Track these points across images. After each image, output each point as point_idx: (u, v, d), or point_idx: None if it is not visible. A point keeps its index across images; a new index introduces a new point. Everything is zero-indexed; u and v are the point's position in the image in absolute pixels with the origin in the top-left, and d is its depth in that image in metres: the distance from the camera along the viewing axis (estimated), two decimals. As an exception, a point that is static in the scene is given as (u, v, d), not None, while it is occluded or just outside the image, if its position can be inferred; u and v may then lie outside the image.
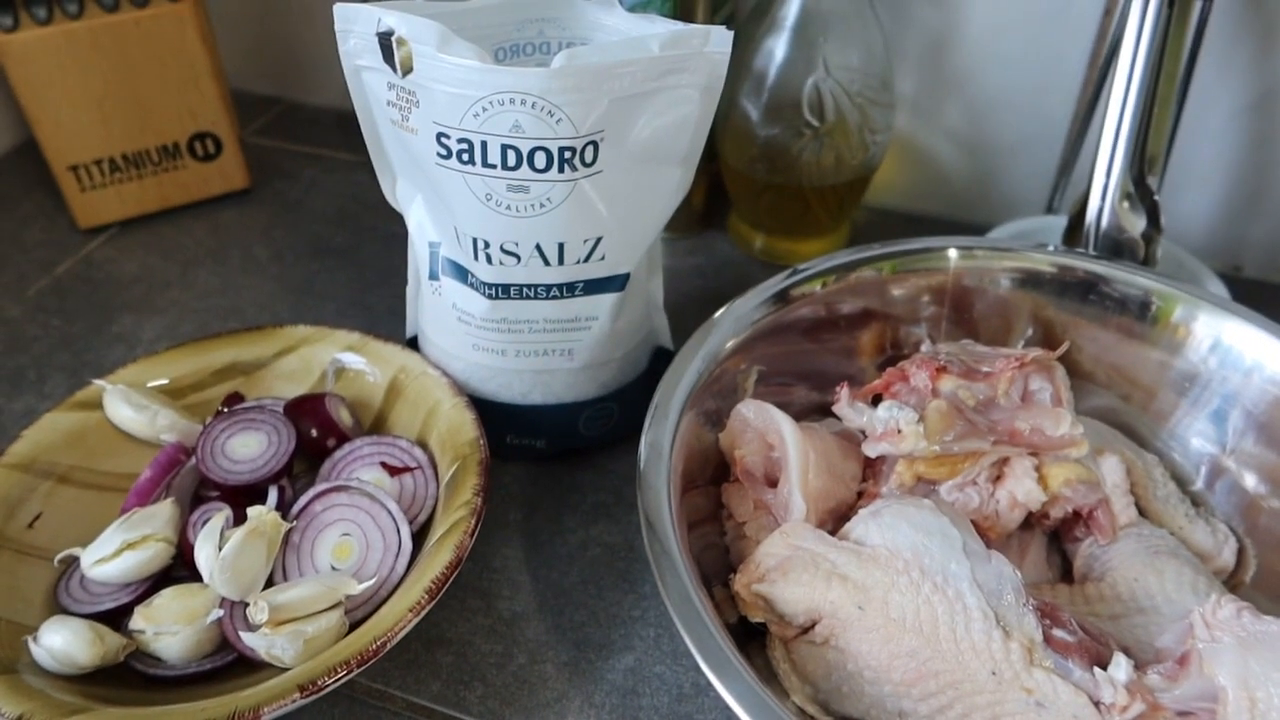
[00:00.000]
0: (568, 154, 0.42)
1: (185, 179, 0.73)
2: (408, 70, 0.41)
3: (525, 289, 0.47)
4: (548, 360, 0.49)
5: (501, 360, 0.49)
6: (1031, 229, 0.64)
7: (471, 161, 0.43)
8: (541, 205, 0.44)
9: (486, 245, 0.45)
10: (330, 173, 0.79)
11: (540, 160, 0.42)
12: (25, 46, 0.63)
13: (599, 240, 0.46)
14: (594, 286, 0.47)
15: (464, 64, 0.40)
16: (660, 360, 0.53)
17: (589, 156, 0.43)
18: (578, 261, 0.46)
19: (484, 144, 0.42)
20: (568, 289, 0.47)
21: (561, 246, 0.45)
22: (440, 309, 0.50)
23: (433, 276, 0.49)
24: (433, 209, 0.48)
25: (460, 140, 0.42)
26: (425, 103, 0.42)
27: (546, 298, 0.47)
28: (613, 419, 0.52)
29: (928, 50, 0.67)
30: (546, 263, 0.46)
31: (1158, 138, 0.54)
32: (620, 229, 0.46)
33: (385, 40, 0.41)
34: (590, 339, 0.49)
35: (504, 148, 0.42)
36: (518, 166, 0.42)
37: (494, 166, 0.43)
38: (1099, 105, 0.55)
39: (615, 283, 0.48)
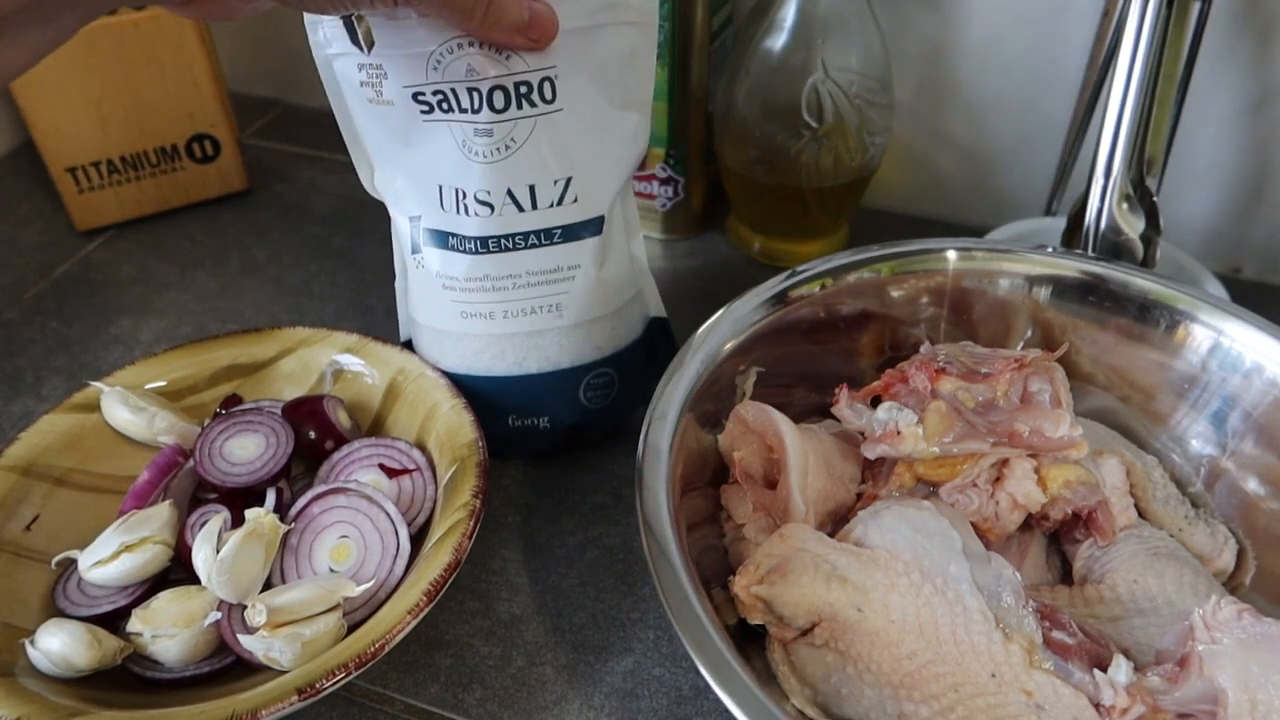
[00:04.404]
0: (524, 89, 0.43)
1: (183, 181, 0.73)
2: (371, 44, 0.43)
3: (505, 240, 0.47)
4: (537, 319, 0.49)
5: (491, 325, 0.49)
6: (1030, 231, 0.64)
7: (451, 110, 0.44)
8: (506, 147, 0.45)
9: (464, 195, 0.46)
10: (328, 174, 0.79)
11: (499, 100, 0.43)
12: (23, 48, 0.63)
13: (569, 181, 0.46)
14: (571, 232, 0.48)
15: (409, 22, 0.42)
16: (655, 330, 0.53)
17: (547, 93, 0.44)
18: (550, 205, 0.47)
19: (453, 91, 0.43)
20: (545, 235, 0.47)
21: (532, 189, 0.46)
22: (425, 282, 0.50)
23: (415, 250, 0.49)
24: (414, 180, 0.48)
25: (435, 92, 0.44)
26: (393, 72, 0.44)
27: (525, 246, 0.47)
28: (614, 389, 0.52)
29: (927, 52, 0.67)
30: (520, 208, 0.46)
31: (1156, 139, 0.54)
32: (587, 168, 0.47)
33: (348, 20, 0.43)
34: (576, 290, 0.49)
35: (467, 91, 0.43)
36: (480, 109, 0.44)
37: (466, 111, 0.44)
38: (1098, 107, 0.55)
39: (591, 227, 0.48)
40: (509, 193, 0.46)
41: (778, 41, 0.59)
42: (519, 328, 0.49)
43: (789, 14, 0.58)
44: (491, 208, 0.46)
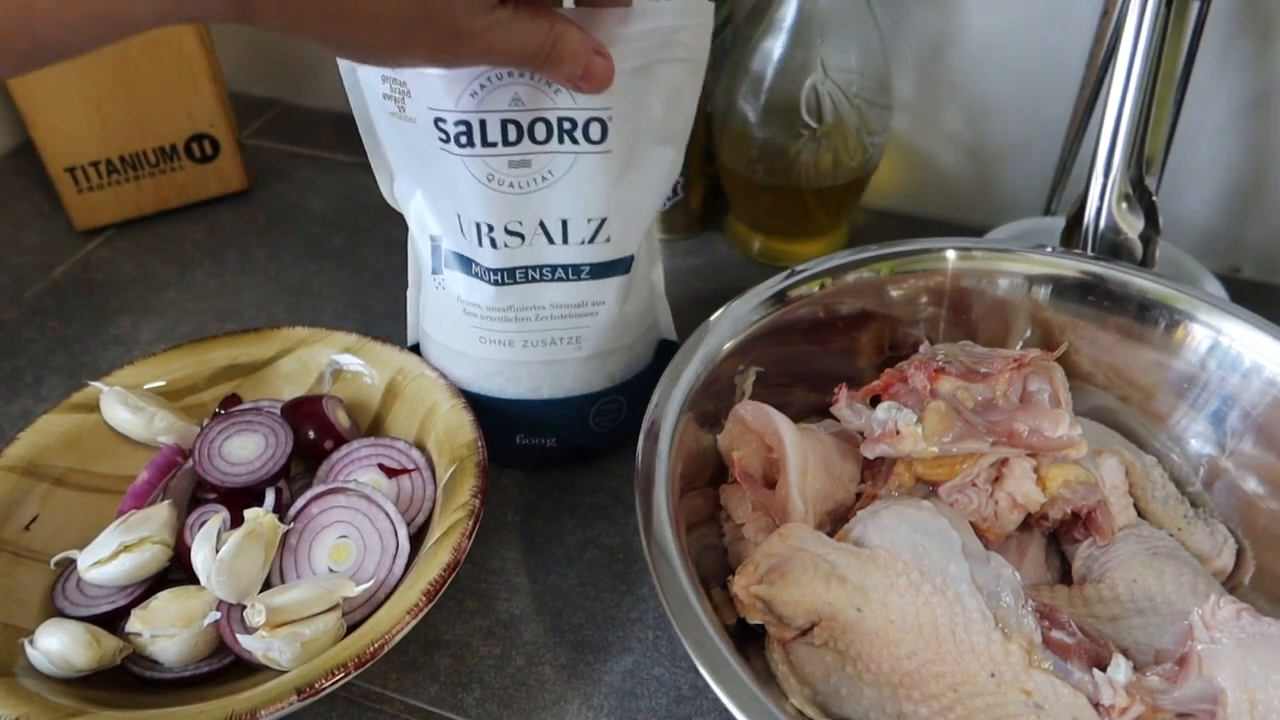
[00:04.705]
0: (567, 125, 0.42)
1: (183, 180, 0.73)
2: None
3: (531, 271, 0.46)
4: (556, 350, 0.49)
5: (509, 352, 0.49)
6: (1030, 230, 0.64)
7: (471, 144, 0.43)
8: (543, 179, 0.44)
9: (490, 229, 0.45)
10: (328, 174, 0.79)
11: (540, 132, 0.42)
12: (22, 48, 0.63)
13: (604, 221, 0.46)
14: (600, 270, 0.47)
15: None
16: (665, 353, 0.53)
17: (595, 133, 0.43)
18: (583, 242, 0.46)
19: (483, 123, 0.42)
20: (574, 271, 0.47)
21: (565, 224, 0.45)
22: (444, 304, 0.49)
23: (435, 271, 0.49)
24: (433, 200, 0.47)
25: (458, 123, 0.42)
26: (417, 90, 0.42)
27: (553, 279, 0.47)
28: (622, 413, 0.52)
29: (926, 52, 0.67)
30: (551, 240, 0.46)
31: (1156, 139, 0.54)
32: (623, 209, 0.46)
33: None
34: (598, 325, 0.48)
35: (504, 123, 0.42)
36: (518, 141, 0.42)
37: (494, 144, 0.43)
38: (1097, 106, 0.55)
39: (621, 266, 0.47)
40: (541, 224, 0.45)
41: (777, 41, 0.59)
42: (537, 356, 0.49)
43: (788, 13, 0.58)
44: (522, 238, 0.45)
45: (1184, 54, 0.53)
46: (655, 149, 0.46)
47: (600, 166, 0.44)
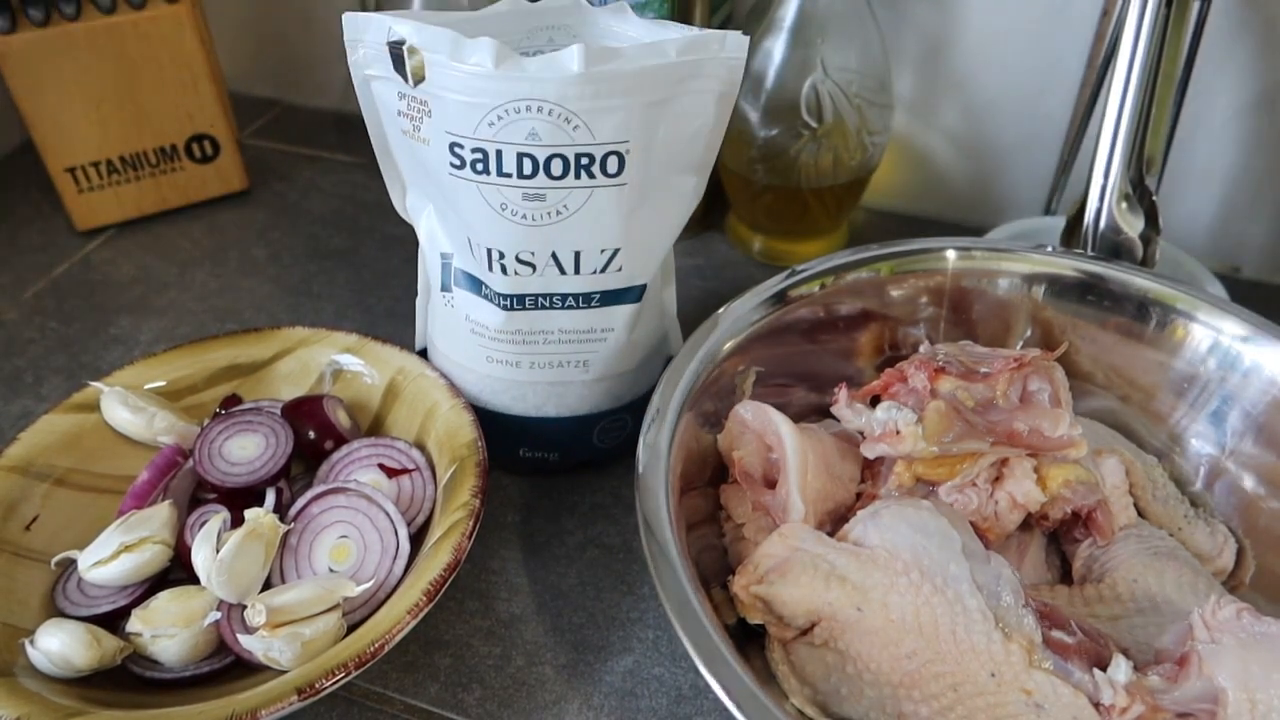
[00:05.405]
0: (585, 160, 0.42)
1: (183, 181, 0.73)
2: (419, 79, 0.41)
3: (541, 299, 0.46)
4: (563, 372, 0.49)
5: (515, 372, 0.49)
6: (1030, 230, 0.64)
7: (486, 171, 0.42)
8: (558, 213, 0.43)
9: (501, 256, 0.45)
10: (328, 174, 0.79)
11: (556, 168, 0.42)
12: (22, 48, 0.63)
13: (616, 251, 0.45)
14: (611, 298, 0.47)
15: (478, 71, 0.40)
16: None
17: (612, 167, 0.42)
18: (594, 271, 0.46)
19: (499, 152, 0.41)
20: (584, 299, 0.46)
21: (578, 255, 0.45)
22: (452, 321, 0.49)
23: (445, 288, 0.49)
24: (445, 219, 0.47)
25: (474, 150, 0.42)
26: (438, 112, 0.41)
27: (563, 307, 0.47)
28: (626, 431, 0.52)
29: (926, 51, 0.67)
30: (562, 271, 0.45)
31: (1156, 138, 0.54)
32: (638, 240, 0.45)
33: (396, 49, 0.41)
34: (606, 350, 0.48)
35: (520, 156, 0.41)
36: (534, 175, 0.42)
37: (509, 175, 0.42)
38: (1097, 106, 0.55)
39: (632, 294, 0.47)
40: (553, 255, 0.45)
41: (777, 41, 0.59)
42: (543, 378, 0.49)
43: (788, 13, 0.58)
44: (533, 268, 0.45)
45: (1184, 54, 0.53)
46: (676, 177, 0.45)
47: (615, 198, 0.43)
